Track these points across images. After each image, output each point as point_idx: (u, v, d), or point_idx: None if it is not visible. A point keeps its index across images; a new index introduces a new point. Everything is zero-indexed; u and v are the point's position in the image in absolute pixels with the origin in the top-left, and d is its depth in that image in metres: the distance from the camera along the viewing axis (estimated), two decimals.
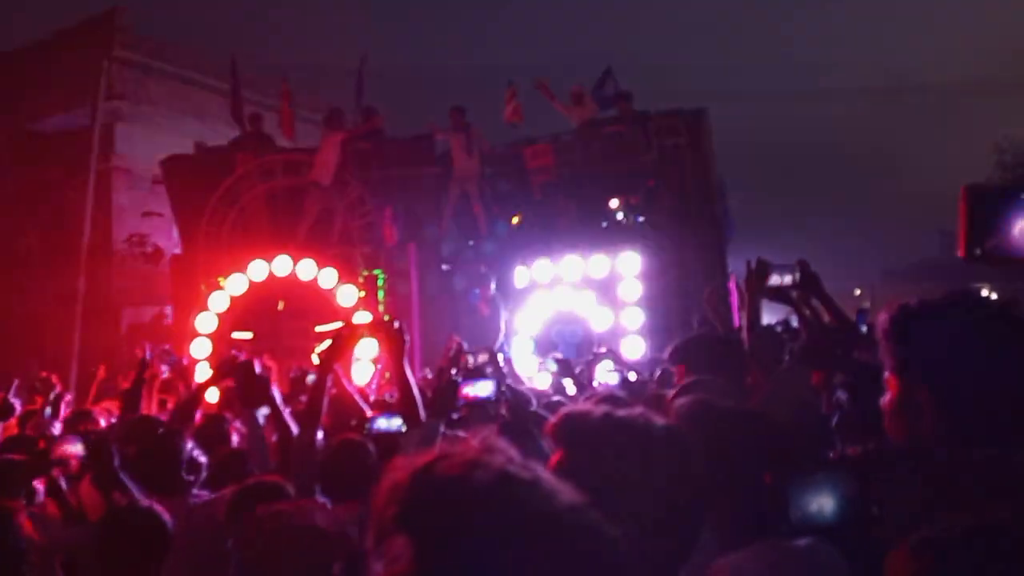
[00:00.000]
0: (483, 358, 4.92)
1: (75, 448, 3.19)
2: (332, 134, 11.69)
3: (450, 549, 0.82)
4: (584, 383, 6.11)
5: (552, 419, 1.52)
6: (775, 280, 3.09)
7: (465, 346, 5.53)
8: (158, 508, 2.65)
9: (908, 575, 0.82)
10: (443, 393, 3.39)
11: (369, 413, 4.86)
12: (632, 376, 6.11)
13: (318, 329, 9.96)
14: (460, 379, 3.48)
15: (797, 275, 3.10)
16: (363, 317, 10.17)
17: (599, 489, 1.36)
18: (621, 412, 1.48)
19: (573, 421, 1.47)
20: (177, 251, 13.55)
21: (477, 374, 4.22)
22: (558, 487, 0.90)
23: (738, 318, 6.30)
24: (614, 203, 10.71)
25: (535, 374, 7.94)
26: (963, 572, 0.78)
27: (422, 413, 3.11)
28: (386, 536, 0.86)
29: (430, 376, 6.89)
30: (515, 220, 11.50)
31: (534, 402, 4.52)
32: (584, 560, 0.86)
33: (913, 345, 1.46)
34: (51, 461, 3.17)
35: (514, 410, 4.04)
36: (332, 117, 12.07)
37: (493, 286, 10.88)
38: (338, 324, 3.67)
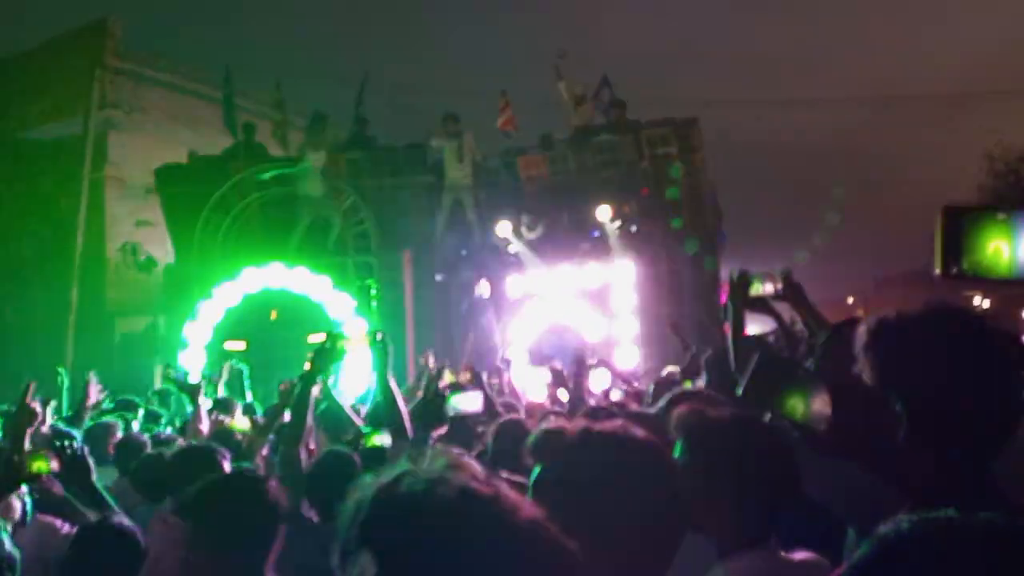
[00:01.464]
0: (465, 377, 4.90)
1: (50, 464, 3.07)
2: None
3: (413, 564, 0.83)
4: (578, 394, 6.08)
5: (531, 435, 1.52)
6: (758, 291, 3.06)
7: (446, 363, 5.46)
8: (129, 525, 2.61)
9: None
10: (430, 406, 3.39)
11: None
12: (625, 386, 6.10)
13: (311, 339, 9.96)
14: (447, 391, 3.47)
15: (780, 285, 3.08)
16: (355, 327, 10.16)
17: (577, 503, 1.37)
18: (599, 427, 1.48)
19: (550, 437, 1.47)
20: (171, 261, 13.52)
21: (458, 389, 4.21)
22: (519, 502, 0.92)
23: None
24: (605, 212, 10.68)
25: (530, 385, 7.92)
26: (914, 569, 0.79)
27: (408, 425, 3.11)
28: (352, 551, 0.87)
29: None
30: (504, 229, 11.49)
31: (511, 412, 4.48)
32: (543, 572, 0.88)
33: (887, 357, 1.46)
34: (24, 475, 3.07)
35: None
36: (314, 125, 12.13)
37: (487, 295, 10.87)
38: (322, 337, 3.65)
